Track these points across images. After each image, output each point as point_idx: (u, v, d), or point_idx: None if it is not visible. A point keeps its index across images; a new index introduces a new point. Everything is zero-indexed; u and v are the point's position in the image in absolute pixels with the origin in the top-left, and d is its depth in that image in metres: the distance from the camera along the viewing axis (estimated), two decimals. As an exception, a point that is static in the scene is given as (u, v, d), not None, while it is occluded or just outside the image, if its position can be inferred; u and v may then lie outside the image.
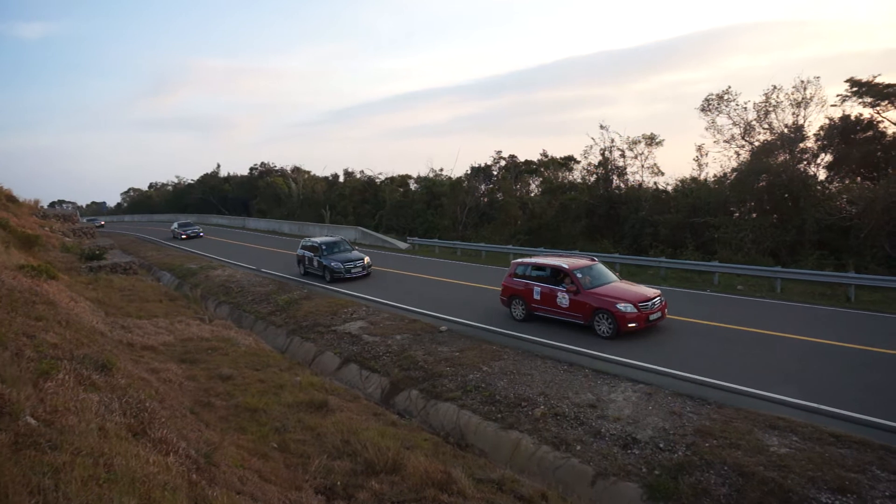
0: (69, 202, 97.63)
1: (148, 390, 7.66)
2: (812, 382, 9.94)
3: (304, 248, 24.31)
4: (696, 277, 20.02)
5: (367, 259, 23.10)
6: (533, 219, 32.97)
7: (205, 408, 9.20)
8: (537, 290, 14.49)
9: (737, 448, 8.01)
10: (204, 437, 6.87)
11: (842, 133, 22.45)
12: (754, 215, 23.52)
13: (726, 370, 10.71)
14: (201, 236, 44.30)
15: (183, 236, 43.70)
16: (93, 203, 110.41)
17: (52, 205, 79.82)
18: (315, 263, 23.09)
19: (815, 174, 23.52)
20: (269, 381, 11.37)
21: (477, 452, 9.46)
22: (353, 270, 22.37)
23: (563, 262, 14.65)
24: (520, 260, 15.97)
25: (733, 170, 25.26)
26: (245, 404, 9.70)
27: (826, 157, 23.38)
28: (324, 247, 23.28)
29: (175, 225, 46.66)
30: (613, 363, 11.56)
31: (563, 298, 13.84)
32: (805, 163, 23.53)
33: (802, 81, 23.30)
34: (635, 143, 29.63)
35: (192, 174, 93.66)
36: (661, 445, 8.45)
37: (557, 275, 14.31)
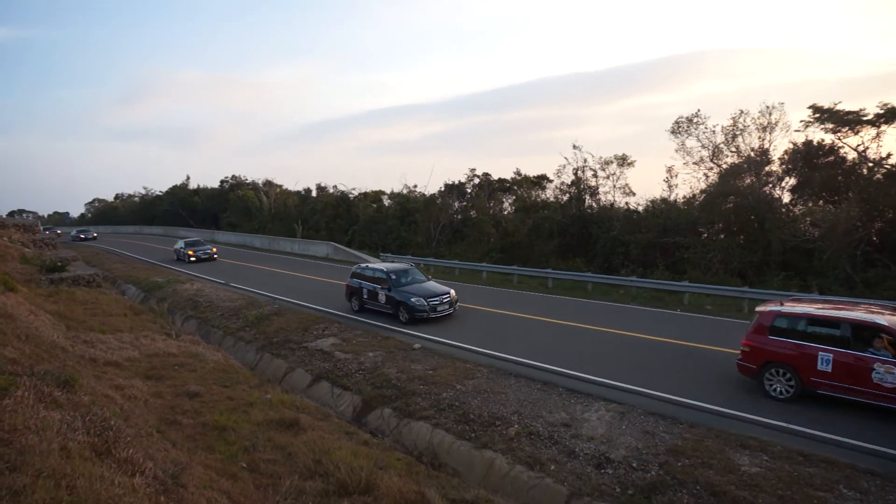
0: (30, 212, 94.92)
1: (112, 408, 7.39)
2: (779, 401, 10.10)
3: (360, 277, 19.16)
4: (667, 297, 20.30)
5: (452, 292, 18.04)
6: (506, 237, 33.14)
7: (171, 426, 8.91)
8: (824, 357, 9.58)
9: (709, 467, 8.08)
10: (171, 456, 6.64)
11: (805, 157, 23.19)
12: (722, 236, 24.04)
13: (697, 390, 10.84)
14: (215, 259, 36.52)
15: (192, 259, 35.50)
16: (55, 213, 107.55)
17: (11, 214, 77.48)
18: (382, 298, 17.98)
19: (779, 197, 24.22)
20: (238, 399, 11.09)
21: (450, 472, 9.35)
22: (439, 308, 17.16)
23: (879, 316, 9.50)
24: (783, 307, 10.45)
25: (702, 191, 25.87)
26: (213, 422, 9.42)
27: (790, 181, 24.10)
28: (393, 276, 18.11)
29: (180, 244, 37.79)
30: (589, 383, 11.61)
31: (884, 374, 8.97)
32: (770, 185, 24.22)
33: (768, 107, 24.13)
34: (608, 163, 30.18)
35: (160, 186, 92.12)
36: (635, 465, 8.47)
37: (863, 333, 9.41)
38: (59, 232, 68.36)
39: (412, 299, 17.09)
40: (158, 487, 5.05)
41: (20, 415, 5.14)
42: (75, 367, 9.39)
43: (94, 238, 60.62)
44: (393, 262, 24.49)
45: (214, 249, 37.39)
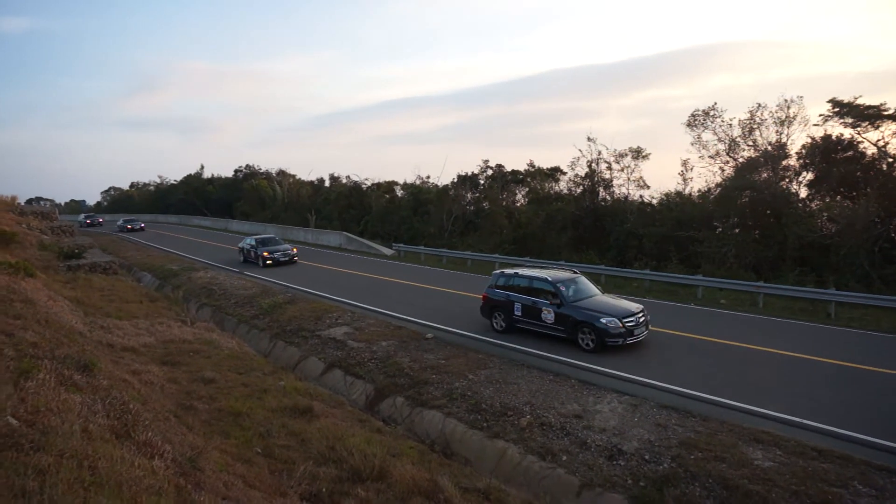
0: (47, 199, 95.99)
1: (130, 392, 7.51)
2: (794, 397, 10.05)
3: (509, 288, 14.88)
4: (681, 291, 20.19)
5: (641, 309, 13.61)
6: (519, 228, 33.07)
7: (187, 411, 9.03)
8: None
9: (721, 461, 8.05)
10: (188, 440, 6.74)
11: (823, 152, 22.87)
12: (737, 231, 23.82)
13: (711, 383, 10.80)
14: (296, 262, 29.21)
15: (268, 261, 28.25)
16: (72, 201, 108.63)
17: (29, 202, 78.36)
18: (548, 316, 13.69)
19: (796, 192, 23.93)
20: (252, 385, 11.21)
21: (462, 461, 9.41)
22: (636, 332, 12.96)
23: None
24: None
25: (717, 185, 25.62)
26: (228, 408, 9.54)
27: (808, 176, 23.80)
28: (562, 287, 13.88)
29: (249, 241, 30.22)
30: (600, 374, 11.61)
31: None
32: (787, 180, 23.93)
33: (786, 100, 23.81)
34: (622, 155, 29.96)
35: (175, 175, 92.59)
36: (647, 457, 8.47)
37: None
38: (101, 220, 64.42)
39: (602, 319, 12.80)
40: (177, 470, 5.13)
41: (42, 397, 5.24)
42: (94, 351, 9.54)
43: (143, 229, 53.71)
44: (541, 267, 18.72)
45: (295, 250, 29.71)
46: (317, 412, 10.04)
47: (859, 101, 21.77)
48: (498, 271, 15.70)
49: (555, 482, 8.40)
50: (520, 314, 14.46)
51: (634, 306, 13.52)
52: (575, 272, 15.32)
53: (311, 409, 10.05)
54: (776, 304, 18.01)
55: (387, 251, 34.17)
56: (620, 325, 12.70)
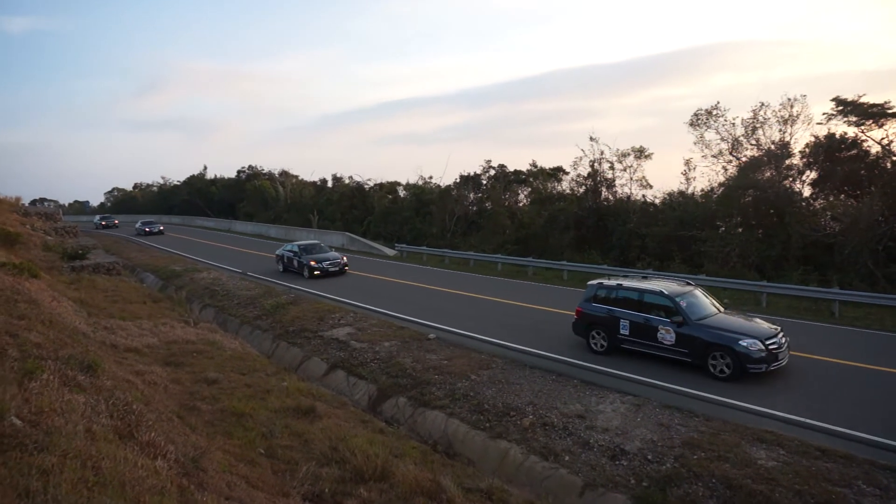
0: (51, 200, 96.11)
1: (134, 393, 7.53)
2: (798, 396, 10.03)
3: (610, 301, 12.89)
4: (683, 290, 20.13)
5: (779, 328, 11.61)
6: (521, 228, 33.06)
7: (190, 412, 9.05)
8: None
9: (725, 461, 8.04)
10: (191, 441, 6.76)
11: (827, 151, 22.78)
12: (740, 230, 23.73)
13: (714, 383, 10.79)
14: (346, 271, 25.83)
15: (316, 272, 24.76)
16: (76, 202, 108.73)
17: (33, 203, 78.50)
18: (666, 336, 11.66)
19: (800, 191, 23.83)
20: (255, 386, 11.23)
21: (465, 461, 9.41)
22: (780, 356, 10.98)
23: None
24: None
25: (720, 184, 25.53)
26: (231, 409, 9.56)
27: (811, 174, 23.68)
28: (682, 302, 11.81)
29: (291, 248, 26.80)
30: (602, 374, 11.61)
31: None
32: (791, 179, 23.83)
33: (789, 99, 23.68)
34: (625, 155, 29.86)
35: (178, 175, 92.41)
36: (650, 457, 8.46)
37: None
38: (116, 222, 61.24)
39: (743, 342, 10.78)
40: (180, 470, 5.15)
41: (46, 397, 5.25)
42: (97, 352, 9.56)
43: (161, 232, 50.40)
44: (642, 277, 15.65)
45: (345, 259, 26.18)
46: (319, 413, 10.05)
47: (863, 100, 21.69)
48: (595, 282, 13.61)
49: (557, 482, 8.40)
50: (627, 333, 12.37)
51: (770, 325, 11.66)
52: (689, 283, 13.13)
53: (313, 410, 10.06)
54: (780, 303, 17.96)
55: (389, 251, 34.20)
56: (763, 347, 10.70)
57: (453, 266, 28.57)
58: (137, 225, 52.41)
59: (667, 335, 11.68)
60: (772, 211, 23.04)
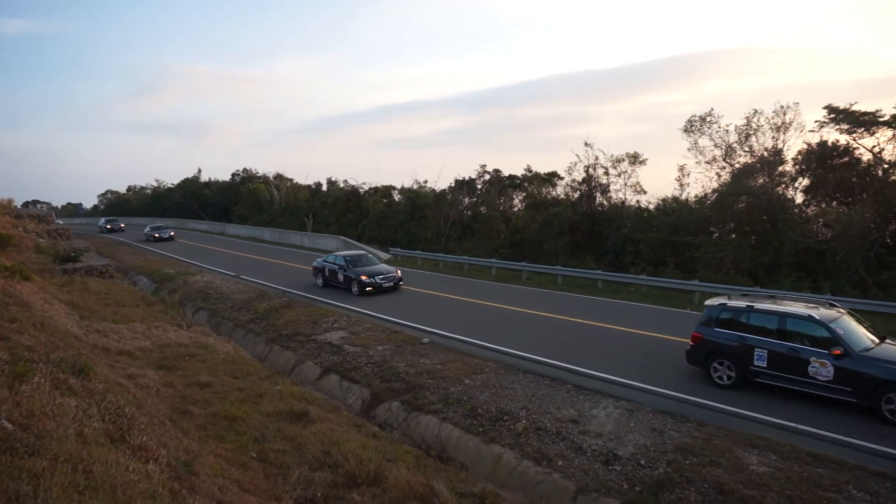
0: (44, 202, 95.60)
1: (126, 396, 7.49)
2: (789, 402, 10.07)
3: (737, 326, 11.02)
4: (677, 295, 20.24)
5: None
6: (516, 233, 33.09)
7: (183, 415, 9.02)
8: None
9: (717, 466, 8.07)
10: (183, 445, 6.73)
11: (819, 158, 22.95)
12: (734, 236, 23.85)
13: (701, 388, 10.83)
14: (402, 286, 22.55)
15: (368, 288, 21.44)
16: (69, 204, 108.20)
17: (25, 205, 78.01)
18: (824, 371, 9.73)
19: (792, 197, 23.97)
20: (248, 390, 11.20)
21: (458, 466, 9.41)
22: None
23: None
24: None
25: (714, 190, 25.66)
26: (224, 412, 9.53)
27: (804, 181, 23.84)
28: (838, 328, 9.98)
29: (335, 259, 23.23)
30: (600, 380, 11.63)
31: None
32: (783, 186, 23.99)
33: (782, 106, 23.84)
34: (619, 161, 29.98)
35: (172, 178, 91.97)
36: (643, 462, 8.48)
37: None
38: (123, 226, 58.84)
39: None
40: (171, 474, 5.12)
41: (37, 400, 5.23)
42: (89, 355, 9.52)
43: (172, 238, 46.63)
44: (771, 297, 12.71)
45: (399, 272, 22.68)
46: (312, 417, 10.03)
47: (855, 108, 21.86)
48: (717, 302, 11.60)
49: (550, 487, 8.41)
50: (764, 365, 10.41)
51: None
52: (834, 305, 11.24)
53: (306, 414, 10.04)
54: (772, 309, 17.98)
55: (384, 255, 34.15)
56: None
57: (448, 270, 28.59)
58: (146, 230, 48.03)
59: (822, 370, 9.72)
60: (765, 217, 23.17)
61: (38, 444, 4.15)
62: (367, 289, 21.24)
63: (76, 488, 3.62)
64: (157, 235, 46.25)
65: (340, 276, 22.26)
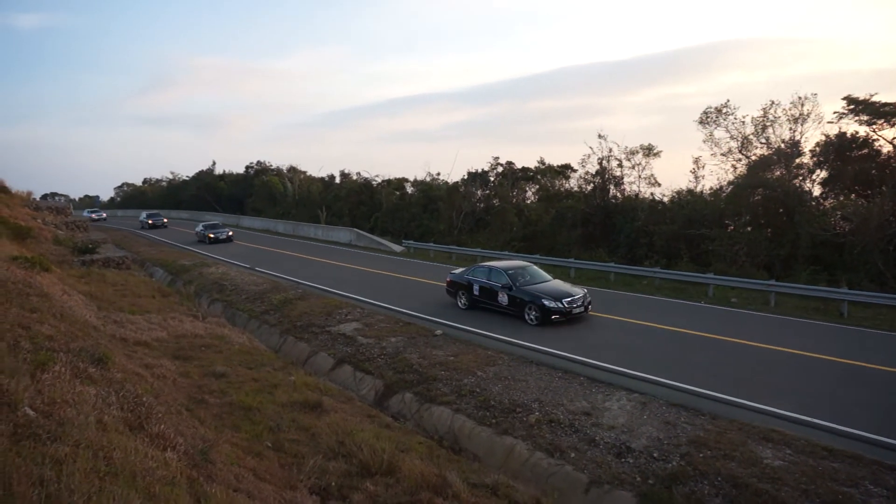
0: (62, 195, 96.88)
1: (143, 385, 7.61)
2: (806, 396, 10.00)
3: None
4: (691, 289, 20.11)
5: None
6: (528, 226, 33.05)
7: (199, 405, 9.14)
8: None
9: (731, 459, 8.03)
10: (199, 433, 6.83)
11: (837, 150, 22.66)
12: (749, 229, 23.65)
13: (721, 382, 10.77)
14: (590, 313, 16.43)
15: (555, 315, 15.15)
16: (86, 196, 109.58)
17: (44, 197, 79.03)
18: None
19: (810, 190, 23.73)
20: (262, 380, 11.31)
21: (471, 457, 9.45)
22: None
23: None
24: None
25: (729, 183, 25.46)
26: (239, 402, 9.64)
27: (821, 174, 23.59)
28: None
29: (482, 273, 17.27)
30: (610, 372, 11.61)
31: None
32: (800, 178, 23.74)
33: (800, 98, 23.58)
34: (633, 153, 29.81)
35: (186, 171, 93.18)
36: (656, 455, 8.46)
37: None
38: (165, 220, 53.18)
39: None
40: (189, 462, 5.21)
41: (58, 389, 5.33)
42: (107, 345, 9.67)
43: (230, 239, 39.17)
44: None
45: (584, 291, 16.23)
46: (326, 407, 10.11)
47: (875, 99, 21.58)
48: None
49: (563, 479, 8.42)
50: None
51: None
52: None
53: (320, 405, 10.12)
54: (788, 302, 17.88)
55: (397, 248, 34.26)
56: None
57: (460, 263, 28.53)
58: (199, 229, 40.47)
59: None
60: (781, 210, 22.95)
61: (59, 430, 4.24)
62: (554, 317, 15.10)
63: (97, 474, 3.69)
64: (211, 236, 38.30)
65: (503, 298, 16.19)
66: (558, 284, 16.45)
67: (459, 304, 17.62)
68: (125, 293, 19.47)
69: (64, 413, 4.71)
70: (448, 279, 18.29)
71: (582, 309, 15.55)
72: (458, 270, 18.65)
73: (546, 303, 15.07)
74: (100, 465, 3.87)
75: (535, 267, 17.70)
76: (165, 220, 53.31)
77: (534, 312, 15.32)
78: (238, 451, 7.14)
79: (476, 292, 17.05)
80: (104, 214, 67.48)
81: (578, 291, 15.85)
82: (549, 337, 14.18)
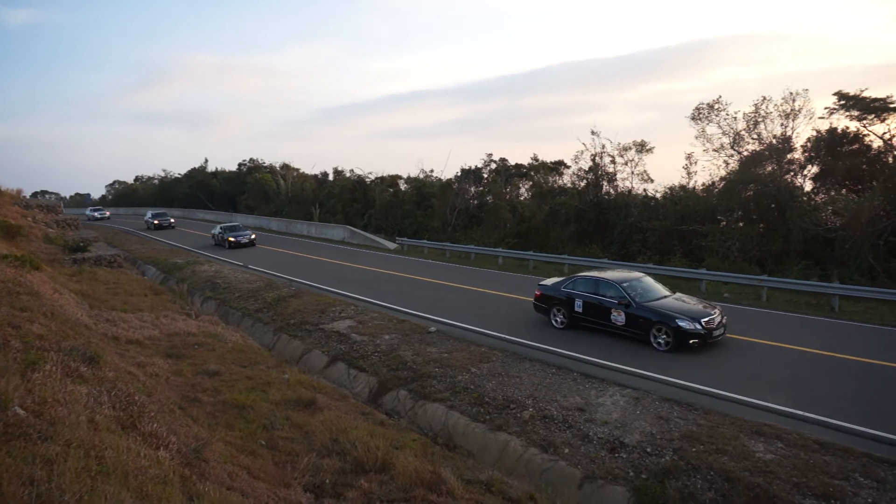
0: (52, 193, 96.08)
1: (136, 384, 7.58)
2: (797, 390, 10.07)
3: None
4: (684, 284, 20.15)
5: None
6: (522, 222, 33.04)
7: (192, 403, 9.11)
8: None
9: (723, 453, 8.08)
10: (192, 432, 6.81)
11: (828, 145, 22.72)
12: (741, 224, 23.73)
13: (714, 376, 10.83)
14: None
15: (693, 340, 12.35)
16: (77, 194, 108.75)
17: (34, 195, 78.38)
18: None
19: (801, 185, 23.78)
20: (256, 378, 11.29)
21: (465, 453, 9.46)
22: None
23: None
24: None
25: (721, 178, 25.48)
26: (232, 401, 9.62)
27: (813, 169, 23.64)
28: None
29: (594, 285, 14.13)
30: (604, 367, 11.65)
31: None
32: (792, 174, 23.79)
33: (791, 93, 23.59)
34: (626, 149, 29.78)
35: (179, 168, 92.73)
36: (649, 450, 8.51)
37: None
38: (172, 220, 49.56)
39: None
40: (182, 461, 5.19)
41: (49, 388, 5.29)
42: (99, 344, 9.61)
43: (252, 243, 34.66)
44: None
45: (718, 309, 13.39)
46: (320, 405, 10.11)
47: (865, 94, 21.60)
48: None
49: (557, 474, 8.45)
50: None
51: None
52: None
53: (314, 402, 10.12)
54: (780, 297, 17.99)
55: (390, 245, 34.22)
56: None
57: (454, 259, 28.60)
58: (216, 232, 35.98)
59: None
60: (773, 205, 23.03)
61: (50, 430, 4.22)
62: (692, 341, 12.32)
63: (89, 473, 3.68)
64: (232, 240, 33.82)
65: (618, 317, 13.34)
66: (686, 300, 13.74)
67: (554, 322, 14.75)
68: (117, 291, 19.38)
69: (55, 412, 4.68)
70: (538, 292, 15.37)
71: (721, 331, 12.80)
72: (550, 281, 15.78)
73: (682, 324, 12.32)
74: (91, 465, 3.85)
75: (650, 278, 14.74)
76: (173, 220, 50.02)
77: (663, 336, 12.50)
78: (232, 449, 7.13)
79: (578, 309, 14.16)
80: (107, 213, 65.58)
81: (713, 310, 13.02)
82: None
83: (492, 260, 27.30)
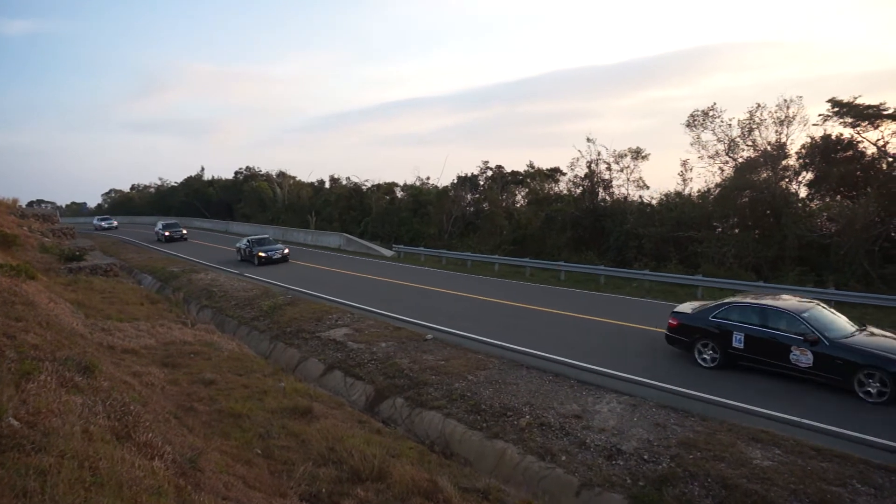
0: (48, 202, 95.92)
1: (131, 394, 7.53)
2: (793, 396, 10.07)
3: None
4: (680, 291, 20.22)
5: None
6: (518, 229, 33.09)
7: (188, 412, 9.06)
8: None
9: (720, 460, 8.08)
10: (188, 441, 6.77)
11: (823, 152, 22.87)
12: (737, 231, 23.83)
13: (709, 384, 10.83)
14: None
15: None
16: (73, 203, 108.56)
17: (30, 204, 78.31)
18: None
19: (796, 191, 23.91)
20: (252, 387, 11.25)
21: (462, 461, 9.43)
22: None
23: None
24: None
25: (717, 185, 25.58)
26: (228, 410, 9.58)
27: (807, 175, 23.78)
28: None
29: (759, 313, 11.23)
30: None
31: None
32: (787, 180, 23.92)
33: (786, 100, 23.76)
34: (621, 156, 29.91)
35: (175, 177, 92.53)
36: (646, 457, 8.49)
37: None
38: (185, 232, 46.48)
39: None
40: (177, 471, 5.16)
41: (43, 398, 5.26)
42: (94, 353, 9.57)
43: (286, 258, 30.96)
44: None
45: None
46: (316, 413, 10.07)
47: (859, 101, 21.76)
48: None
49: (554, 482, 8.43)
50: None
51: None
52: None
53: (310, 411, 10.08)
54: (776, 303, 18.00)
55: (387, 252, 34.22)
56: None
57: (451, 267, 28.60)
58: (242, 245, 32.60)
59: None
60: (768, 212, 23.12)
61: (44, 441, 4.19)
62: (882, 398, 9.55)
63: (83, 484, 3.65)
64: (263, 255, 30.20)
65: (801, 357, 10.41)
66: (889, 335, 10.68)
67: (700, 359, 11.87)
68: (113, 301, 19.31)
69: (49, 423, 4.65)
70: (674, 321, 12.49)
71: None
72: (689, 307, 12.82)
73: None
74: (85, 476, 3.82)
75: (823, 305, 11.78)
76: (185, 232, 46.62)
77: (875, 383, 9.60)
78: (227, 458, 7.09)
79: (738, 344, 11.29)
80: (115, 222, 62.54)
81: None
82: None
83: (488, 267, 27.32)
